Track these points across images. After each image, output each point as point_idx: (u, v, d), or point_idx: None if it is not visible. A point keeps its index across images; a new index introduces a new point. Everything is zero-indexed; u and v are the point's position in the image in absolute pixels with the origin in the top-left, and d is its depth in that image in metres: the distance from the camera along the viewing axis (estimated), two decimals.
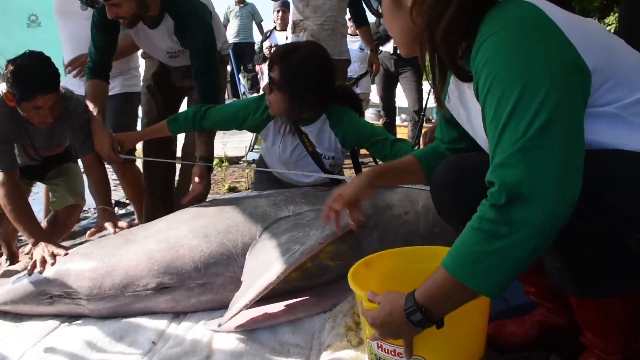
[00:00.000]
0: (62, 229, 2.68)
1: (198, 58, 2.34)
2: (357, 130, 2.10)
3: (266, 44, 5.28)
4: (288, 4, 5.30)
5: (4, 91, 2.10)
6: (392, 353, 1.06)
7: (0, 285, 1.99)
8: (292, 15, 3.24)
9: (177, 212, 2.12)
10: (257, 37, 7.74)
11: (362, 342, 1.43)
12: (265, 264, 1.59)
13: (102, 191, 2.38)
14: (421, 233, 1.74)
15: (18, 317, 1.95)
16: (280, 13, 5.21)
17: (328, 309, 1.65)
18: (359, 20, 3.70)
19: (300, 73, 1.96)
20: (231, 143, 7.36)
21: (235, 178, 5.91)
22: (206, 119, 2.20)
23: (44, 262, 1.97)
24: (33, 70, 2.06)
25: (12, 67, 2.06)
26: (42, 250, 2.03)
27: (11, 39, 3.38)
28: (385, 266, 1.31)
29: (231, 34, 6.86)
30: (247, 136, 7.27)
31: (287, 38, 5.17)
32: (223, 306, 1.76)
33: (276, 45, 5.12)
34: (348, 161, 2.75)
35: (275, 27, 5.38)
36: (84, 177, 2.69)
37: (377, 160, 2.31)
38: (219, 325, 1.55)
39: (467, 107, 1.17)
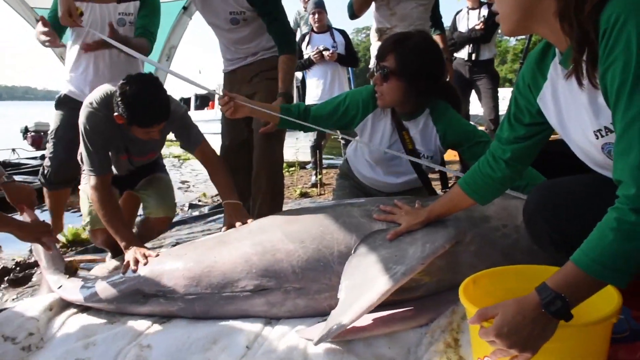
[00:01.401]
0: (149, 234, 2.82)
1: (266, 5, 2.51)
2: (460, 127, 2.10)
3: (308, 49, 5.26)
4: (323, 4, 5.30)
5: (115, 114, 2.19)
6: None
7: (95, 284, 2.12)
8: (377, 23, 3.25)
9: (265, 217, 2.18)
10: None
11: None
12: (364, 283, 1.60)
13: (223, 184, 2.40)
14: (522, 249, 1.72)
15: (111, 315, 2.07)
16: (316, 15, 5.23)
17: (425, 324, 1.65)
18: (437, 26, 3.71)
19: (416, 59, 1.99)
20: (303, 148, 7.48)
21: (305, 183, 6.00)
22: (310, 114, 2.21)
23: (136, 262, 2.08)
24: (149, 101, 2.13)
25: (126, 95, 2.12)
26: (134, 252, 2.14)
27: None
28: (492, 284, 1.31)
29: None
30: None
31: (334, 40, 5.22)
32: (317, 313, 1.81)
33: (324, 49, 5.12)
34: None
35: (312, 30, 5.39)
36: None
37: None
38: (317, 342, 1.56)
39: (559, 104, 1.23)
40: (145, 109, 2.15)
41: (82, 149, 2.37)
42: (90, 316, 2.07)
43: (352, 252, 1.78)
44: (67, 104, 2.96)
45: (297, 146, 7.73)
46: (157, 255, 2.10)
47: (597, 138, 1.13)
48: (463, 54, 4.74)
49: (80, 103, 2.66)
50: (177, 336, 1.80)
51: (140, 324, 1.95)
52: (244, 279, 1.83)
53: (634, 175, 0.94)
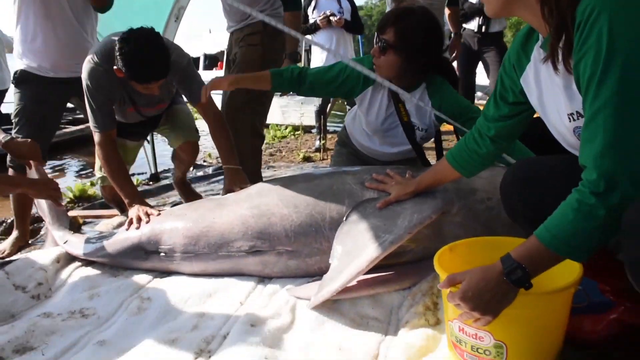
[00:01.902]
0: (183, 167, 2.92)
1: None
2: (455, 102, 2.16)
3: (314, 13, 5.25)
4: None
5: (115, 67, 2.22)
6: (474, 337, 1.18)
7: (100, 240, 2.25)
8: None
9: (264, 181, 2.29)
10: None
11: (439, 322, 1.54)
12: (354, 250, 1.71)
13: (224, 147, 2.44)
14: (502, 221, 1.82)
15: (114, 269, 2.20)
16: None
17: (407, 287, 1.76)
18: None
19: (417, 36, 2.04)
20: (308, 113, 7.54)
21: (309, 147, 6.10)
22: (307, 79, 2.23)
23: (139, 220, 2.20)
24: (149, 57, 2.16)
25: (125, 49, 2.14)
26: (137, 210, 2.25)
27: None
28: (468, 253, 1.42)
29: None
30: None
31: (340, 5, 5.21)
32: (307, 274, 1.93)
33: (332, 14, 5.13)
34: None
35: None
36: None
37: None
38: (311, 305, 1.69)
39: (540, 86, 1.31)
40: (143, 65, 2.17)
41: (86, 105, 2.43)
42: (95, 269, 2.20)
43: (344, 219, 1.89)
44: (29, 81, 2.81)
45: (302, 110, 7.78)
46: (159, 213, 2.22)
47: (570, 121, 1.22)
48: (473, 25, 4.73)
49: (43, 78, 2.76)
50: (175, 290, 1.93)
51: (142, 278, 2.08)
52: (240, 240, 1.95)
53: (596, 161, 1.01)
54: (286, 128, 7.89)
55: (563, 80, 1.19)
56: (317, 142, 5.76)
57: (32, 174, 2.45)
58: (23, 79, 2.82)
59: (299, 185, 2.06)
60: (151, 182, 4.63)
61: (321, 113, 5.90)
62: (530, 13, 1.20)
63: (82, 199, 3.92)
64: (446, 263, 1.32)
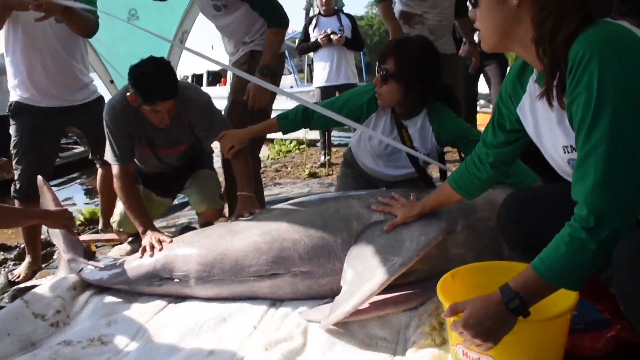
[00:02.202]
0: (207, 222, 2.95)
1: None
2: (454, 127, 2.27)
3: (315, 32, 5.38)
4: None
5: (129, 94, 2.38)
6: None
7: (114, 268, 2.34)
8: (403, 6, 3.32)
9: (273, 207, 2.38)
10: None
11: (445, 342, 1.62)
12: (365, 273, 1.80)
13: (241, 173, 2.53)
14: (502, 239, 1.91)
15: (130, 295, 2.29)
16: None
17: (414, 307, 1.85)
18: (461, 11, 3.81)
19: (417, 65, 2.15)
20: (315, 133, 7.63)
21: (314, 162, 6.19)
22: (314, 115, 2.37)
23: (152, 247, 2.30)
24: (153, 78, 2.31)
25: (135, 73, 2.33)
26: (150, 237, 2.35)
27: (112, 32, 3.72)
28: (470, 279, 1.50)
29: None
30: None
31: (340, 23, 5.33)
32: (318, 295, 2.03)
33: (332, 32, 5.27)
34: None
35: (320, 13, 5.51)
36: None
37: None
38: (322, 325, 1.78)
39: (536, 117, 1.38)
40: (150, 83, 2.32)
41: (106, 140, 2.57)
42: (110, 296, 2.29)
43: (353, 241, 1.98)
44: (24, 111, 2.90)
45: None
46: (171, 241, 2.31)
47: (565, 153, 1.30)
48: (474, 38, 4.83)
49: (37, 108, 2.86)
50: (190, 316, 2.02)
51: (157, 304, 2.17)
52: (255, 265, 2.04)
53: (586, 199, 1.09)
54: (290, 142, 7.99)
55: (557, 115, 1.27)
56: (322, 157, 5.85)
57: (46, 202, 2.55)
58: (18, 110, 2.91)
59: (307, 211, 2.16)
60: None
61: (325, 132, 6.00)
62: (525, 51, 1.28)
63: (92, 221, 4.02)
64: (449, 290, 1.41)
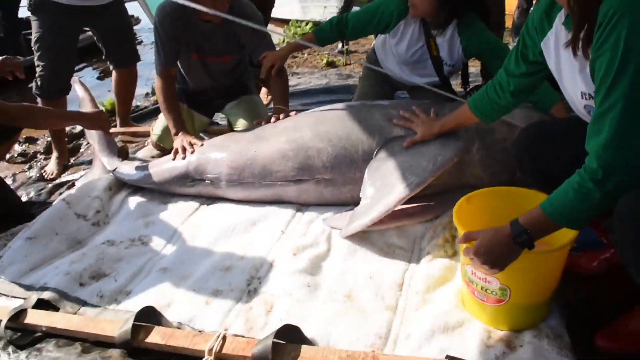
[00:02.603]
0: None
1: None
2: (483, 41, 2.32)
3: None
4: None
5: None
6: (483, 280, 1.45)
7: (147, 168, 2.52)
8: None
9: (297, 115, 2.50)
10: None
11: (456, 253, 1.82)
12: (383, 188, 1.97)
13: (278, 90, 2.66)
14: None
15: (163, 195, 2.49)
16: None
17: (429, 219, 2.03)
18: None
19: None
20: (330, 7, 7.48)
21: (332, 48, 6.14)
22: (348, 24, 2.42)
23: (184, 149, 2.46)
24: None
25: None
26: (182, 140, 2.51)
27: None
28: (484, 202, 1.65)
29: None
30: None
31: None
32: (340, 202, 2.22)
33: None
34: None
35: None
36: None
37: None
38: (343, 234, 1.98)
39: (559, 55, 1.45)
40: None
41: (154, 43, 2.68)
42: (144, 196, 2.50)
43: (374, 155, 2.13)
44: (44, 8, 2.92)
45: (325, 4, 7.72)
46: (202, 144, 2.46)
47: (582, 98, 1.39)
48: None
49: (58, 4, 2.87)
50: (222, 218, 2.23)
51: (190, 206, 2.38)
52: (282, 171, 2.21)
53: (598, 153, 1.19)
54: (307, 24, 7.86)
55: (579, 63, 1.35)
56: (340, 45, 5.82)
57: (83, 104, 2.69)
58: (39, 5, 2.93)
59: (331, 120, 2.29)
60: None
61: (344, 12, 5.91)
62: None
63: (114, 112, 4.16)
64: (464, 213, 1.57)
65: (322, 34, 2.47)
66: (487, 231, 1.37)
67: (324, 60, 5.40)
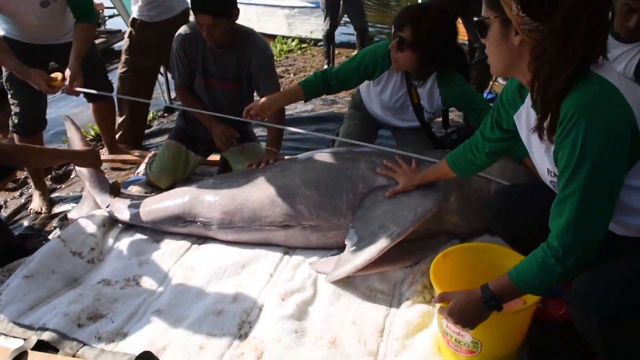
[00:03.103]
0: None
1: None
2: (461, 95, 2.51)
3: None
4: None
5: None
6: (457, 333, 1.62)
7: (140, 207, 2.65)
8: None
9: (286, 160, 2.66)
10: None
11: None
12: (367, 237, 2.14)
13: (272, 134, 2.84)
14: None
15: (155, 233, 2.63)
16: None
17: (409, 265, 2.20)
18: None
19: (433, 36, 2.32)
20: (317, 25, 7.64)
21: (316, 67, 6.33)
22: (332, 78, 2.54)
23: (227, 143, 2.82)
24: None
25: None
26: (221, 133, 2.83)
27: None
28: (459, 258, 1.83)
29: None
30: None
31: None
32: (326, 246, 2.39)
33: None
34: None
35: None
36: None
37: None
38: (328, 279, 2.14)
39: (529, 129, 1.57)
40: None
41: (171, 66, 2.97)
42: (137, 234, 2.64)
43: (359, 203, 2.30)
44: (11, 47, 2.90)
45: (311, 21, 7.90)
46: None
47: (548, 174, 1.56)
48: None
49: (24, 43, 2.99)
50: (213, 260, 2.38)
51: (182, 245, 2.52)
52: (270, 216, 2.37)
53: (559, 234, 1.35)
54: (293, 40, 8.05)
55: (545, 145, 1.50)
56: (325, 67, 6.01)
57: (74, 142, 2.82)
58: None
59: (317, 169, 2.46)
60: (166, 114, 4.98)
61: (329, 38, 6.10)
62: (525, 81, 1.47)
63: (100, 138, 4.28)
64: (441, 268, 1.74)
65: (308, 86, 2.57)
66: (460, 293, 1.54)
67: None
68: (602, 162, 1.30)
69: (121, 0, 4.49)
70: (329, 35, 6.11)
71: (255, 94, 3.06)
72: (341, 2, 5.96)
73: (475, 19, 1.49)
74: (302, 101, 2.61)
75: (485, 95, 4.08)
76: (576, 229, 1.35)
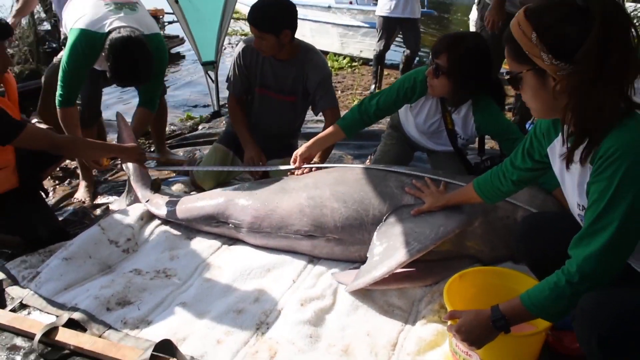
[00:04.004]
0: None
1: None
2: (495, 124, 2.55)
3: None
4: None
5: None
6: (466, 353, 1.65)
7: (177, 205, 2.77)
8: None
9: (321, 171, 2.74)
10: None
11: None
12: (388, 251, 2.18)
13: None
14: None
15: (189, 230, 2.74)
16: None
17: (428, 284, 2.24)
18: None
19: (468, 63, 2.37)
20: (367, 47, 7.75)
21: (364, 87, 6.42)
22: (370, 110, 2.63)
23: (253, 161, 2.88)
24: (258, 3, 2.75)
25: None
26: (251, 155, 2.92)
27: None
28: (475, 280, 1.86)
29: None
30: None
31: None
32: (349, 259, 2.43)
33: None
34: None
35: None
36: None
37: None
38: (348, 289, 2.19)
39: (563, 163, 1.57)
40: (254, 6, 2.78)
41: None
42: (172, 229, 2.75)
43: (384, 219, 2.35)
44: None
45: (363, 42, 8.00)
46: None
47: (577, 207, 1.58)
48: None
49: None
50: (240, 261, 2.46)
51: (212, 245, 2.62)
52: (297, 225, 2.44)
53: (579, 262, 1.39)
54: (344, 58, 8.17)
55: (578, 177, 1.51)
56: (373, 87, 6.09)
57: (122, 137, 2.97)
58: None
59: (348, 183, 2.52)
60: (213, 120, 5.13)
61: (380, 59, 6.18)
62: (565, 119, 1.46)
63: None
64: (456, 289, 1.78)
65: (347, 125, 2.68)
66: (469, 312, 1.58)
67: (355, 102, 5.66)
68: (636, 207, 1.33)
69: (180, 7, 4.68)
70: (380, 56, 6.19)
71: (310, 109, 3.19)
72: (398, 25, 6.05)
73: (507, 75, 1.52)
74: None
75: (527, 127, 4.07)
76: (601, 260, 1.37)
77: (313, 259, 2.48)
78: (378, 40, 6.21)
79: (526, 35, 1.36)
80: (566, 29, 1.31)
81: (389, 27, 6.04)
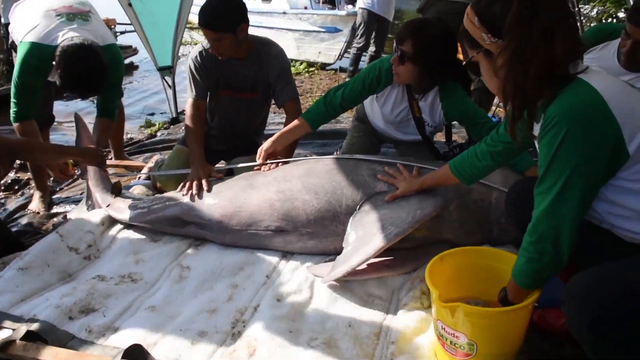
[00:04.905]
0: None
1: None
2: (463, 108, 2.50)
3: None
4: None
5: None
6: (452, 335, 1.58)
7: (140, 207, 2.63)
8: None
9: (291, 164, 2.64)
10: None
11: (431, 306, 1.95)
12: (364, 238, 2.09)
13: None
14: (490, 219, 2.21)
15: (154, 232, 2.60)
16: None
17: (408, 272, 2.16)
18: None
19: (433, 48, 2.33)
20: (325, 50, 7.72)
21: (323, 89, 6.36)
22: (336, 102, 2.55)
23: (189, 189, 2.57)
24: (207, 5, 2.62)
25: None
26: (195, 176, 2.64)
27: None
28: (456, 260, 1.80)
29: None
30: (337, 45, 7.66)
31: None
32: (323, 253, 2.34)
33: None
34: None
35: None
36: None
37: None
38: (324, 281, 2.10)
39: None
40: (204, 8, 2.62)
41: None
42: (136, 233, 2.60)
43: (357, 208, 2.26)
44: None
45: (320, 47, 7.97)
46: (209, 189, 2.57)
47: None
48: None
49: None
50: (210, 261, 2.34)
51: (180, 245, 2.49)
52: (267, 220, 2.34)
53: (532, 222, 1.47)
54: (301, 64, 8.11)
55: None
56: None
57: (81, 140, 2.83)
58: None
59: (319, 174, 2.42)
60: (171, 126, 5.00)
61: (359, 59, 6.21)
62: None
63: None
64: (437, 271, 1.71)
65: (312, 114, 2.59)
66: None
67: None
68: (576, 172, 1.37)
69: (134, 11, 4.54)
70: (359, 57, 6.22)
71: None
72: (376, 23, 6.08)
73: (464, 62, 1.61)
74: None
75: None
76: (549, 220, 1.44)
77: (286, 254, 2.38)
78: (359, 37, 6.21)
79: (472, 22, 1.49)
80: (495, 7, 1.44)
81: (370, 22, 6.06)
